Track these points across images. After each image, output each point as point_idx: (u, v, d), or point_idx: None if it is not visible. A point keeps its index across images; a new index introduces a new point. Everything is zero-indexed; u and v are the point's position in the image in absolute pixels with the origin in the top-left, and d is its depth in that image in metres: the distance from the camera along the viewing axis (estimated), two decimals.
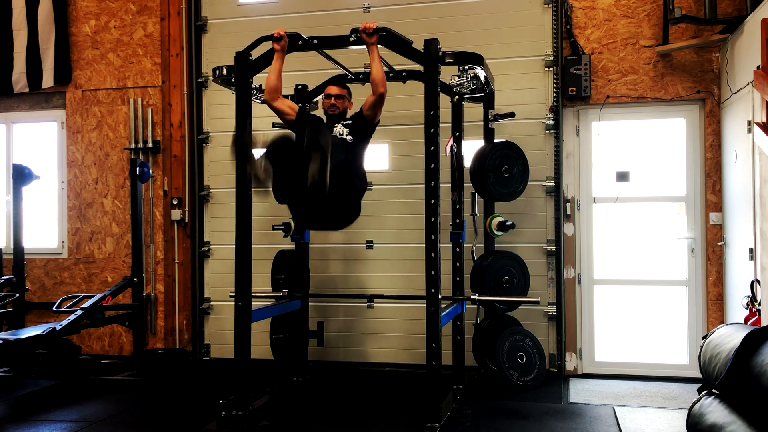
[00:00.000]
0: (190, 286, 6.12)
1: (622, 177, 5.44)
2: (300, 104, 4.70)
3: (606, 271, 5.50)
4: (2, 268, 5.92)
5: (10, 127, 6.56)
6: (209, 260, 6.15)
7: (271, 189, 4.07)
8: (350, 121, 4.30)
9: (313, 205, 3.93)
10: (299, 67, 5.29)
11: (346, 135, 4.22)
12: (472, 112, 5.25)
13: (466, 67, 4.51)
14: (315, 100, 5.21)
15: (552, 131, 5.46)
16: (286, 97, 4.48)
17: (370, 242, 5.77)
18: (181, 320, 6.08)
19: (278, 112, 4.35)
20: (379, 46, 4.03)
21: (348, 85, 4.61)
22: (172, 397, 4.90)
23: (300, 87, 5.20)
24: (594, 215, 5.49)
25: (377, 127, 4.36)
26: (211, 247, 6.14)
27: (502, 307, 5.11)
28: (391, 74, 4.88)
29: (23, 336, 4.96)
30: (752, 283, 4.27)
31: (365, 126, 4.26)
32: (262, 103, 4.83)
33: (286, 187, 4.01)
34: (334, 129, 4.25)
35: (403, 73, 4.99)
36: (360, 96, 4.56)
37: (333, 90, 4.34)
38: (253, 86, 4.44)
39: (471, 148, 5.16)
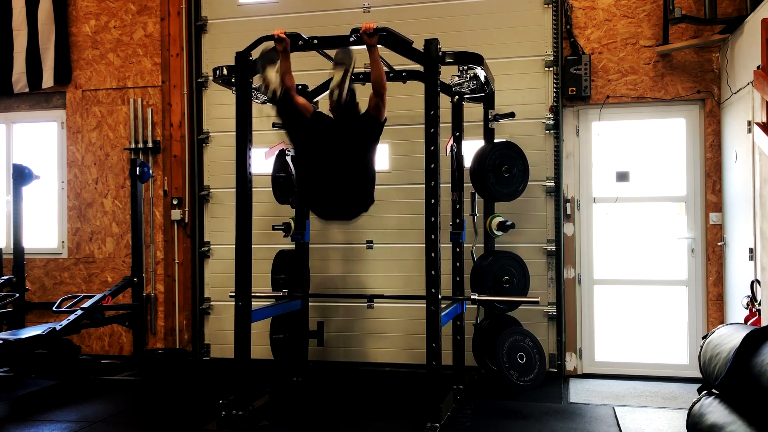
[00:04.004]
0: (190, 286, 6.12)
1: (622, 177, 5.44)
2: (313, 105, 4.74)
3: (606, 271, 5.50)
4: (2, 268, 5.92)
5: (10, 127, 6.56)
6: (209, 260, 6.15)
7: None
8: (359, 122, 4.31)
9: (331, 191, 4.04)
10: (299, 67, 5.24)
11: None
12: (472, 112, 5.25)
13: (466, 67, 4.52)
14: (315, 100, 5.21)
15: (552, 131, 5.46)
16: None
17: (370, 242, 5.77)
18: (181, 320, 6.08)
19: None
20: (379, 46, 4.04)
21: None
22: (172, 397, 4.90)
23: (300, 87, 5.19)
24: (594, 215, 5.50)
25: None
26: (211, 247, 6.14)
27: (502, 307, 5.11)
28: (391, 74, 4.88)
29: (23, 336, 4.96)
30: (752, 283, 4.27)
31: (373, 125, 4.29)
32: (262, 103, 4.85)
33: (303, 177, 4.25)
34: None
35: (403, 73, 4.99)
36: (361, 95, 4.56)
37: None
38: (254, 86, 4.44)
39: (471, 148, 5.16)
